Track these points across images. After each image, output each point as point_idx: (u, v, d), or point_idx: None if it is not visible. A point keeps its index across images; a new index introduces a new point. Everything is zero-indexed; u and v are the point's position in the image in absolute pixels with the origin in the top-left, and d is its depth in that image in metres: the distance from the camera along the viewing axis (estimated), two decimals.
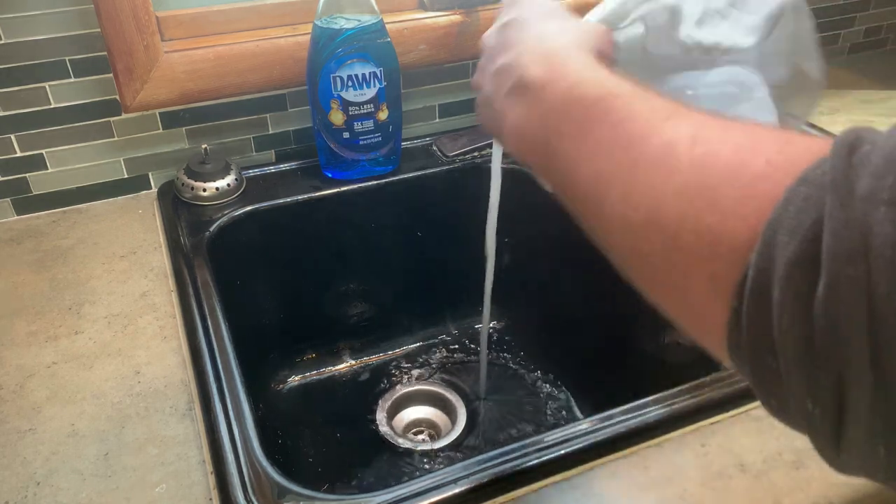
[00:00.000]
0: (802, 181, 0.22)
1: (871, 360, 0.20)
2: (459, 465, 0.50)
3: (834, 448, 0.23)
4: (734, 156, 0.25)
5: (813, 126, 0.95)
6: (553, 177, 0.36)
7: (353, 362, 0.92)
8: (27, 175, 0.81)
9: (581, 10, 0.90)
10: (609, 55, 0.42)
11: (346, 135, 0.81)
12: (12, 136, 0.78)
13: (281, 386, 0.88)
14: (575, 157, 0.33)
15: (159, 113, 0.82)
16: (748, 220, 0.23)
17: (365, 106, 0.79)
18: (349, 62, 0.76)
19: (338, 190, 0.84)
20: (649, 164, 0.28)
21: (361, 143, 0.82)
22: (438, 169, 0.88)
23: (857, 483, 0.50)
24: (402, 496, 0.48)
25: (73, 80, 0.77)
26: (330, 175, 0.85)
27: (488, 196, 0.69)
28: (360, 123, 0.80)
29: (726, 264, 0.24)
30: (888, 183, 0.20)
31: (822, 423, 0.23)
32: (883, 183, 0.20)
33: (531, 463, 0.50)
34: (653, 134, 0.29)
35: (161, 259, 0.74)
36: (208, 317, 0.64)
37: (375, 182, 0.85)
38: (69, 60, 0.76)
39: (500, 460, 0.50)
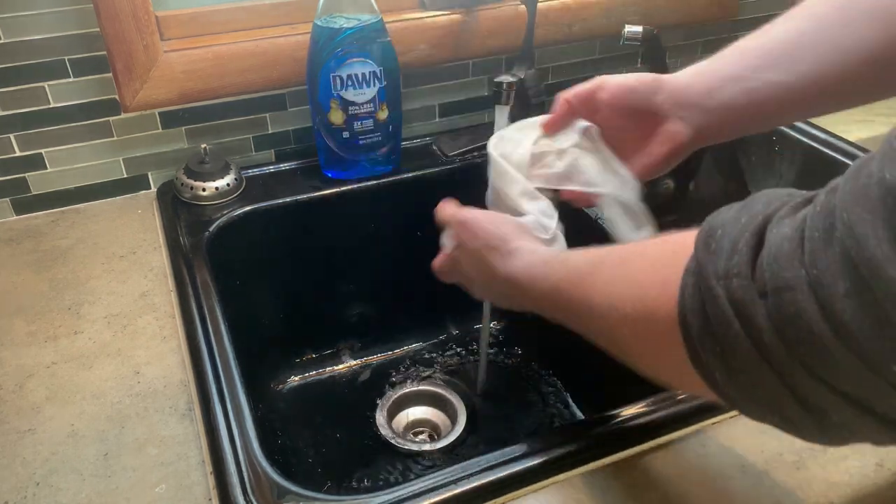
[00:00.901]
0: (687, 273, 0.32)
1: (762, 358, 0.29)
2: (459, 465, 0.50)
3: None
4: (633, 280, 0.38)
5: (814, 126, 0.95)
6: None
7: (353, 362, 0.92)
8: (26, 175, 0.81)
9: (581, 10, 0.89)
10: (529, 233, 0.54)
11: (345, 134, 0.81)
12: (11, 136, 0.78)
13: (281, 386, 0.88)
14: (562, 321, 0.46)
15: (159, 112, 0.82)
16: (667, 307, 0.33)
17: (365, 105, 0.79)
18: (349, 62, 0.76)
19: (338, 190, 0.84)
20: (601, 314, 0.40)
21: (361, 142, 0.82)
22: (438, 169, 0.88)
23: (857, 483, 0.50)
24: (402, 496, 0.48)
25: (72, 79, 0.77)
26: (330, 175, 0.85)
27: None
28: (359, 123, 0.80)
29: (667, 335, 0.33)
30: (734, 262, 0.29)
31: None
32: (731, 263, 0.30)
33: (531, 463, 0.50)
34: (591, 307, 0.41)
35: (160, 259, 0.74)
36: (208, 317, 0.64)
37: (375, 182, 0.85)
38: (69, 60, 0.76)
39: (500, 461, 0.50)
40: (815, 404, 0.29)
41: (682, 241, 0.34)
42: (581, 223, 0.78)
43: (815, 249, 0.27)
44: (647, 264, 0.37)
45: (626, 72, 1.06)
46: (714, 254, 0.30)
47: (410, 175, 0.87)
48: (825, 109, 0.51)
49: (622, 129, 0.56)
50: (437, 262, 0.62)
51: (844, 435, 0.30)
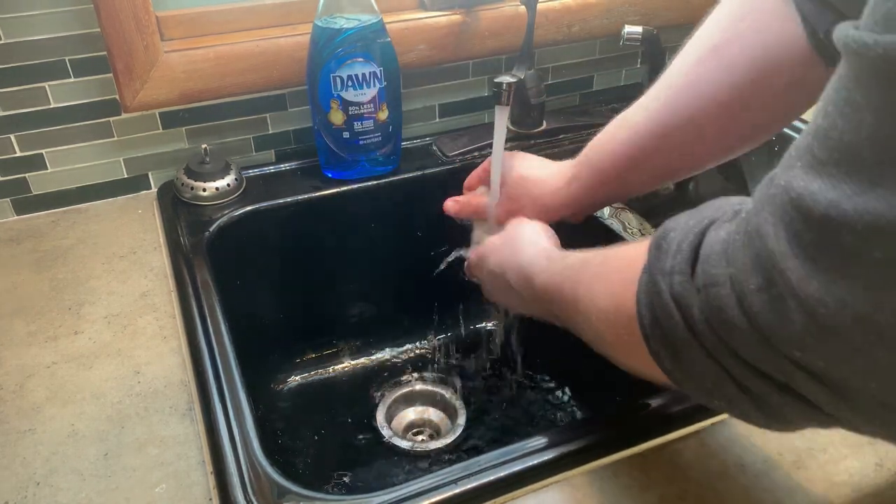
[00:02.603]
0: (643, 271, 0.36)
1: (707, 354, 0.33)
2: (459, 465, 0.50)
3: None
4: (607, 278, 0.43)
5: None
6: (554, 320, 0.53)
7: (353, 362, 0.92)
8: (27, 175, 0.81)
9: (581, 10, 0.89)
10: (554, 237, 0.61)
11: (346, 135, 0.81)
12: (12, 136, 0.78)
13: (281, 386, 0.88)
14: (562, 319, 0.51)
15: (159, 113, 0.82)
16: (630, 302, 0.38)
17: (365, 106, 0.79)
18: (349, 62, 0.76)
19: (338, 190, 0.84)
20: (587, 317, 0.44)
21: (361, 142, 0.82)
22: (438, 169, 0.88)
23: (857, 483, 0.50)
24: (403, 496, 0.48)
25: (72, 79, 0.77)
26: (330, 175, 0.85)
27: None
28: (359, 123, 0.80)
29: (631, 327, 0.37)
30: (677, 261, 0.34)
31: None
32: (675, 261, 0.34)
33: (532, 463, 0.50)
34: (577, 300, 0.46)
35: (161, 259, 0.74)
36: (208, 317, 0.64)
37: (375, 182, 0.85)
38: (69, 60, 0.76)
39: (500, 461, 0.50)
40: (748, 386, 0.32)
41: (645, 244, 0.38)
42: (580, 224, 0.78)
43: (735, 250, 0.31)
44: (621, 263, 0.41)
45: (625, 73, 1.06)
46: (662, 253, 0.35)
47: (410, 175, 0.87)
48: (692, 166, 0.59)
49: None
50: (472, 255, 0.68)
51: (782, 418, 0.33)
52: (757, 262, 0.29)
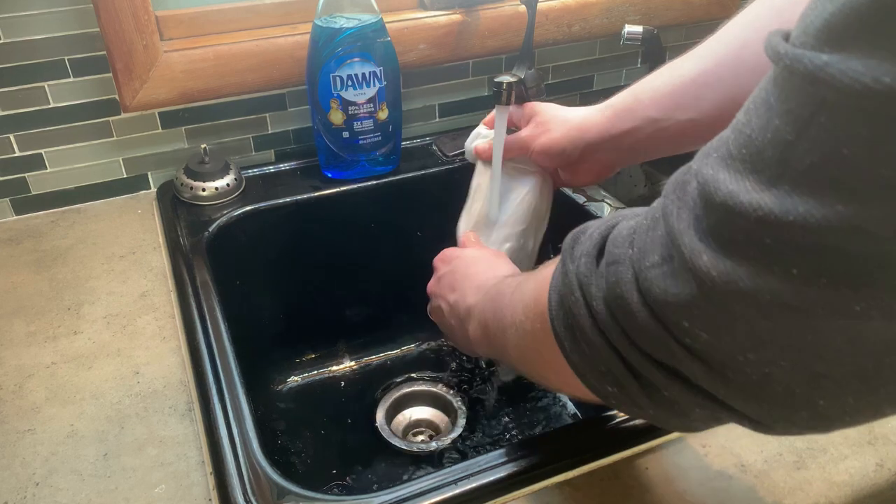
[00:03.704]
0: (552, 278, 0.38)
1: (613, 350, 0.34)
2: (460, 465, 0.50)
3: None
4: (527, 296, 0.43)
5: None
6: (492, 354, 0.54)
7: (353, 362, 0.92)
8: (26, 175, 0.81)
9: (581, 10, 0.89)
10: (506, 265, 0.60)
11: (345, 134, 0.81)
12: (11, 136, 0.78)
13: (281, 386, 0.88)
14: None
15: (158, 112, 0.82)
16: (543, 300, 0.39)
17: (365, 105, 0.79)
18: (349, 62, 0.76)
19: (337, 190, 0.84)
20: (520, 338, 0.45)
21: (361, 142, 0.82)
22: (438, 169, 0.88)
23: (857, 483, 0.50)
24: (403, 496, 0.48)
25: (72, 79, 0.77)
26: (330, 175, 0.85)
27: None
28: (359, 123, 0.80)
29: (545, 327, 0.38)
30: (585, 247, 0.36)
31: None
32: (583, 248, 0.36)
33: (531, 463, 0.50)
34: (504, 315, 0.47)
35: (160, 259, 0.74)
36: (208, 317, 0.64)
37: (375, 182, 0.85)
38: (68, 60, 0.76)
39: (500, 461, 0.50)
40: (641, 374, 0.33)
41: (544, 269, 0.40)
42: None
43: (640, 232, 0.32)
44: (539, 277, 0.42)
45: (625, 72, 1.06)
46: (571, 258, 0.37)
47: (410, 175, 0.87)
48: None
49: (550, 166, 0.68)
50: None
51: (674, 408, 0.33)
52: (658, 241, 0.30)
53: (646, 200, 1.03)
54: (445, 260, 0.65)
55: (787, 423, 0.30)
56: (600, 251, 0.35)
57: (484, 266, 0.60)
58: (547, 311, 0.38)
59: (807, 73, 0.24)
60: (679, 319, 0.29)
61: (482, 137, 0.71)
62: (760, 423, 0.31)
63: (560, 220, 0.82)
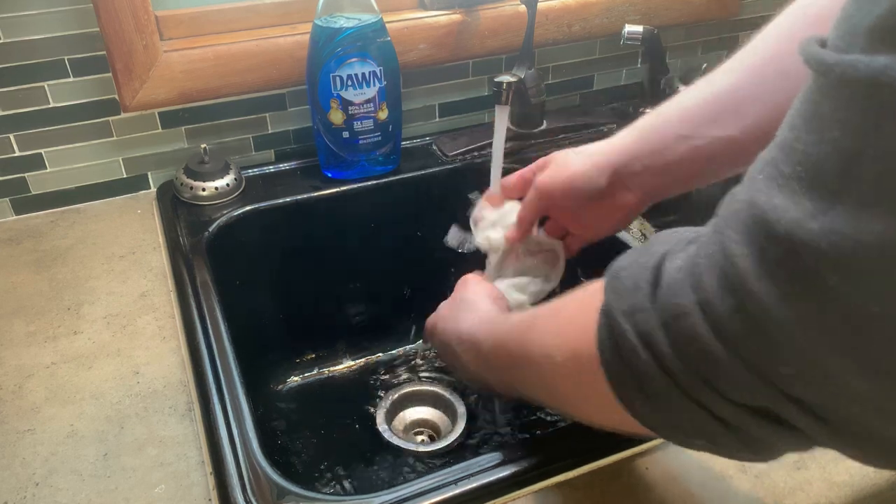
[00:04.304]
0: (600, 314, 0.34)
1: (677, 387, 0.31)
2: (460, 465, 0.50)
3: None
4: (560, 329, 0.40)
5: None
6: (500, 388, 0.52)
7: (353, 362, 0.92)
8: (26, 175, 0.81)
9: (581, 10, 0.89)
10: (501, 299, 0.59)
11: (345, 134, 0.81)
12: (11, 136, 0.78)
13: (281, 386, 0.88)
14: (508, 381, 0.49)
15: (158, 112, 0.82)
16: (588, 349, 0.35)
17: (365, 105, 0.79)
18: (349, 61, 0.76)
19: (337, 190, 0.84)
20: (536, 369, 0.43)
21: (361, 142, 0.82)
22: (438, 169, 0.88)
23: (857, 484, 0.50)
24: (403, 496, 0.48)
25: (71, 79, 0.77)
26: (329, 175, 0.85)
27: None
28: (359, 123, 0.80)
29: (593, 376, 0.35)
30: (637, 299, 0.32)
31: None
32: (634, 300, 0.32)
33: (531, 463, 0.50)
34: (526, 357, 0.44)
35: (160, 259, 0.74)
36: (207, 317, 0.64)
37: (375, 182, 0.85)
38: (68, 60, 0.76)
39: (500, 461, 0.50)
40: (729, 421, 0.30)
41: (597, 287, 0.36)
42: None
43: (701, 274, 0.29)
44: (572, 312, 0.39)
45: (625, 72, 1.06)
46: (619, 293, 0.33)
47: (410, 175, 0.87)
48: None
49: (575, 209, 0.58)
50: (427, 323, 0.65)
51: (768, 448, 0.31)
52: (725, 283, 0.27)
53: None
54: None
55: (890, 465, 0.29)
56: (653, 301, 0.31)
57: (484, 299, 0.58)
58: (600, 372, 0.34)
59: (864, 78, 0.23)
60: (777, 371, 0.27)
61: (491, 225, 0.64)
62: (860, 460, 0.29)
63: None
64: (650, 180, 0.54)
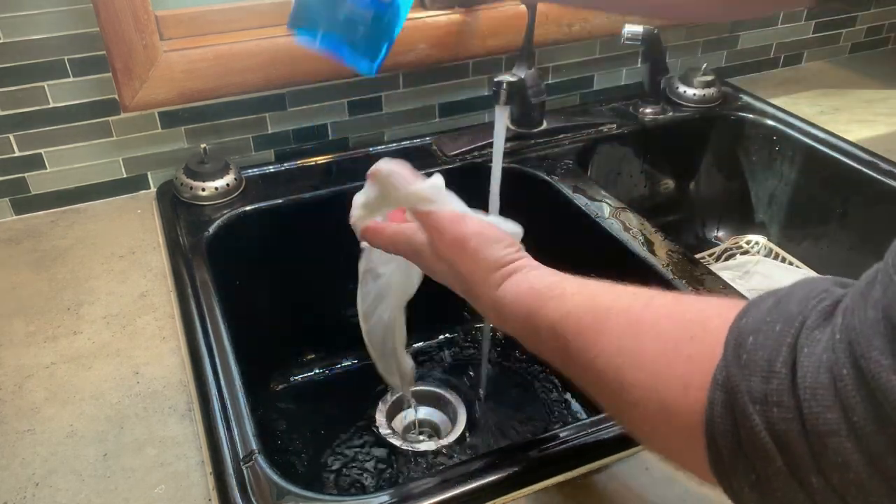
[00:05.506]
0: (715, 384, 0.29)
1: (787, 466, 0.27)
2: (460, 465, 0.50)
3: None
4: (646, 366, 0.33)
5: (814, 126, 0.95)
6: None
7: (353, 362, 0.92)
8: (26, 175, 0.81)
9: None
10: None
11: None
12: (11, 136, 0.78)
13: (281, 386, 0.88)
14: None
15: (158, 112, 0.82)
16: (689, 412, 0.30)
17: None
18: None
19: (337, 189, 0.84)
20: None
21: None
22: (438, 169, 0.88)
23: None
24: (403, 496, 0.48)
25: (71, 79, 0.77)
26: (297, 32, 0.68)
27: (488, 195, 0.69)
28: None
29: (688, 437, 0.30)
30: (774, 387, 0.26)
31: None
32: (769, 387, 0.27)
33: (531, 463, 0.50)
34: (595, 358, 0.36)
35: (160, 259, 0.74)
36: (207, 317, 0.64)
37: None
38: (68, 60, 0.76)
39: (500, 461, 0.50)
40: None
41: (702, 326, 0.31)
42: (580, 224, 0.78)
43: (847, 390, 0.25)
44: (661, 348, 0.33)
45: (625, 72, 1.06)
46: (747, 369, 0.28)
47: None
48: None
49: None
50: (376, 230, 0.54)
51: None
52: (879, 412, 0.24)
53: (646, 200, 1.03)
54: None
55: None
56: (793, 394, 0.26)
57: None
58: (703, 444, 0.30)
59: None
60: None
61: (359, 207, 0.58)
62: None
63: (557, 220, 0.82)
64: None
